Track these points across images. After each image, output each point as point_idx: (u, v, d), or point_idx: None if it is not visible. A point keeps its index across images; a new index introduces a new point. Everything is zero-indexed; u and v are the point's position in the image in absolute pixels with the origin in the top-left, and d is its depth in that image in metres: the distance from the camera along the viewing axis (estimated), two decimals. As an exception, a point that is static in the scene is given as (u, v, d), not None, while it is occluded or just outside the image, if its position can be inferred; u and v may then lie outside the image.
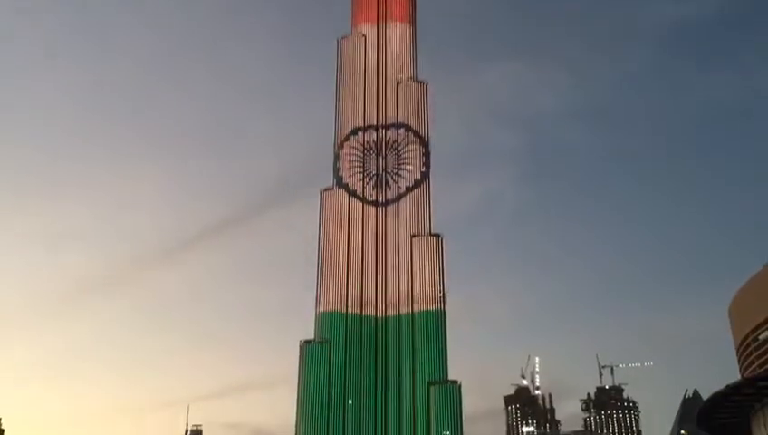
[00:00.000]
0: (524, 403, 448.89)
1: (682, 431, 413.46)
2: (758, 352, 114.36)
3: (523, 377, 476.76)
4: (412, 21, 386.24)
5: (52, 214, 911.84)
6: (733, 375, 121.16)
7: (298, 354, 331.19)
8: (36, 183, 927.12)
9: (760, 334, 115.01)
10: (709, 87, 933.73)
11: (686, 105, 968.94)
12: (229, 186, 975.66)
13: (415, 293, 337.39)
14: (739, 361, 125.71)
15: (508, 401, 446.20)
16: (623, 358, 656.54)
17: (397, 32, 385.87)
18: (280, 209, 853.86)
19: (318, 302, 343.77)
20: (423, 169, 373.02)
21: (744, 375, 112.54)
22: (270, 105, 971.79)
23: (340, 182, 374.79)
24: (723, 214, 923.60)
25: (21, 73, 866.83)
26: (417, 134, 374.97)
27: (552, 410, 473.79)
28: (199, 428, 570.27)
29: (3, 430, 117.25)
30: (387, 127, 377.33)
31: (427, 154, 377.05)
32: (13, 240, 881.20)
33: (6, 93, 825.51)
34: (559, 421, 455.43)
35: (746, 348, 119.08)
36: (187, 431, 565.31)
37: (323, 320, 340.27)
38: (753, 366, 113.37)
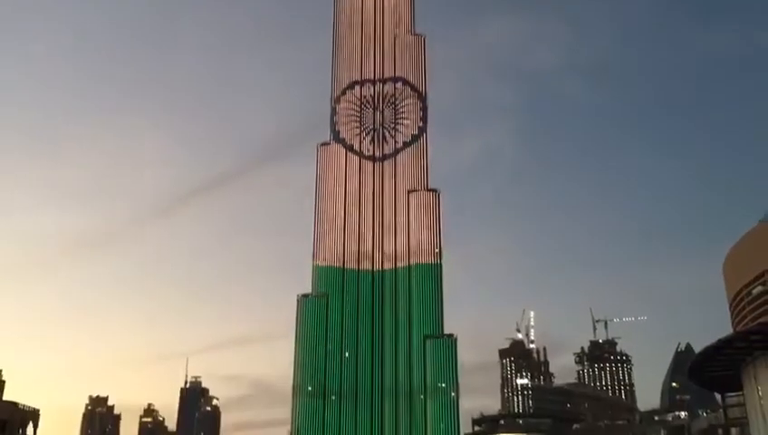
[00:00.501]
0: (519, 356, 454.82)
1: (674, 384, 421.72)
2: (751, 307, 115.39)
3: (518, 331, 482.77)
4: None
5: (51, 172, 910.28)
6: (725, 330, 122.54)
7: (295, 308, 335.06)
8: (36, 142, 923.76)
9: (753, 289, 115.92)
10: (710, 42, 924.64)
11: (687, 60, 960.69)
12: (226, 141, 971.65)
13: (411, 247, 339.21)
14: (732, 315, 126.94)
15: (503, 354, 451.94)
16: (617, 312, 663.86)
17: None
18: (276, 164, 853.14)
19: (315, 256, 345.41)
20: (420, 124, 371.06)
21: (737, 330, 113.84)
22: (266, 60, 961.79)
23: (336, 137, 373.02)
24: (719, 171, 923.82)
25: (19, 34, 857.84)
26: (414, 88, 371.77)
27: (546, 363, 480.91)
28: (198, 379, 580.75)
29: (4, 382, 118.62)
30: (384, 81, 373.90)
31: (424, 109, 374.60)
32: (13, 198, 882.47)
33: (4, 54, 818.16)
34: (552, 374, 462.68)
35: (739, 303, 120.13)
36: (186, 383, 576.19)
37: (320, 274, 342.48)
38: (746, 320, 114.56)
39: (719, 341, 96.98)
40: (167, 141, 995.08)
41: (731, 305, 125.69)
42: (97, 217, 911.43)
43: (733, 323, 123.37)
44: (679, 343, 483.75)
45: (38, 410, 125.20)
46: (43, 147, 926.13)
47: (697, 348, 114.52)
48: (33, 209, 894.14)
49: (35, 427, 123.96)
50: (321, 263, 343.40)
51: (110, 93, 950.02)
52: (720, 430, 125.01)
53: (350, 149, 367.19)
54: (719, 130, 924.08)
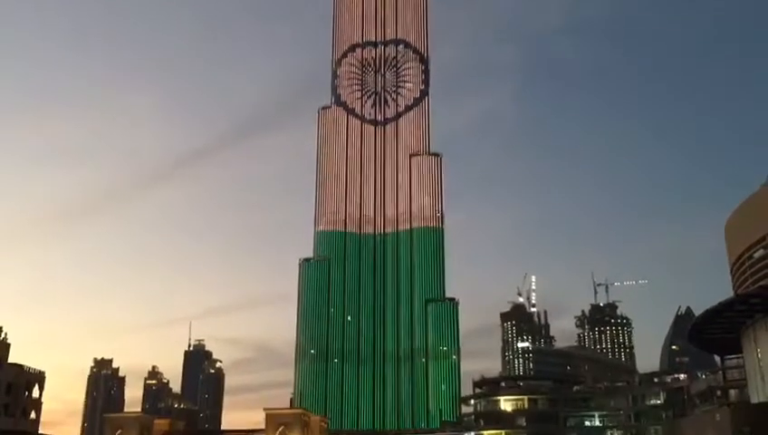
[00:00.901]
0: (520, 320, 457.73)
1: (673, 347, 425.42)
2: (752, 270, 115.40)
3: (520, 295, 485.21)
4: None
5: (49, 134, 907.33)
6: (726, 294, 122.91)
7: (297, 272, 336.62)
8: (33, 100, 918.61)
9: (754, 253, 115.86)
10: (710, 6, 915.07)
11: (694, 19, 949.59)
12: (225, 104, 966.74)
13: (413, 211, 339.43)
14: (733, 279, 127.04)
15: (504, 317, 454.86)
16: (618, 276, 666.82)
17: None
18: (277, 128, 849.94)
19: (316, 220, 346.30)
20: (422, 88, 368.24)
21: (737, 293, 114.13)
22: (265, 22, 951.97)
23: (338, 100, 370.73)
24: (724, 133, 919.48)
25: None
26: (416, 51, 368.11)
27: (547, 326, 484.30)
28: (202, 342, 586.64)
29: (9, 344, 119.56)
30: (386, 44, 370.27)
31: (426, 72, 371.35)
32: (14, 160, 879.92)
33: (3, 7, 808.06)
34: (553, 337, 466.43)
35: (741, 266, 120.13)
36: (190, 346, 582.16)
37: (322, 238, 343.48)
38: (747, 284, 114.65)
39: (720, 304, 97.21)
40: (167, 103, 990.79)
41: (732, 269, 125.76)
42: (99, 178, 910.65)
43: (734, 286, 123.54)
44: (680, 307, 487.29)
45: (43, 373, 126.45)
46: (38, 110, 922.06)
47: (698, 312, 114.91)
48: (33, 171, 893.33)
49: (41, 389, 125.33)
50: (322, 227, 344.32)
51: (104, 55, 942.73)
52: (719, 392, 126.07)
53: (351, 112, 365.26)
54: (722, 90, 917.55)
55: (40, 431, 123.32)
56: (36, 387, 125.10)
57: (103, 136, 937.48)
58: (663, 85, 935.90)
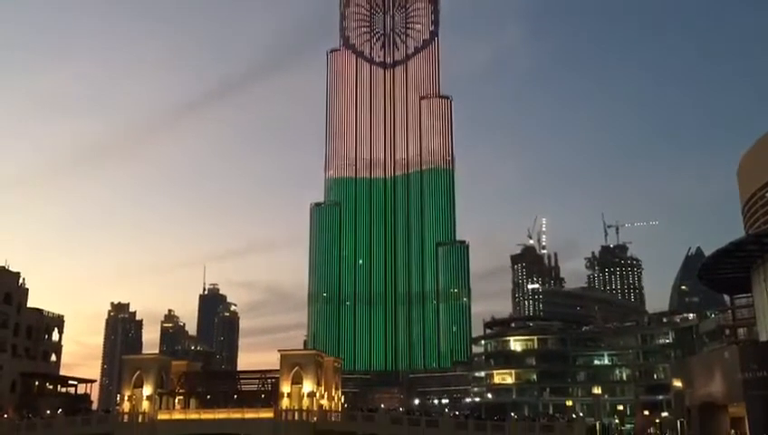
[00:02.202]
0: (530, 262, 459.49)
1: (683, 287, 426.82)
2: (764, 210, 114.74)
3: (530, 237, 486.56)
4: None
5: (63, 76, 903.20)
6: (737, 234, 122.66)
7: (308, 216, 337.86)
8: (48, 44, 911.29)
9: (767, 193, 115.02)
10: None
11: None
12: (236, 48, 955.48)
13: (423, 154, 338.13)
14: (744, 219, 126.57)
15: (514, 259, 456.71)
16: (629, 217, 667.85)
17: None
18: (286, 72, 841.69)
19: (327, 164, 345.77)
20: (432, 29, 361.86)
21: (749, 233, 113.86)
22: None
23: (346, 43, 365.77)
24: (735, 73, 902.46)
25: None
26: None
27: (557, 268, 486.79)
28: (216, 286, 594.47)
29: (27, 289, 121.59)
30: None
31: (436, 12, 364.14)
32: (25, 102, 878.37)
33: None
34: (563, 279, 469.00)
35: (752, 206, 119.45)
36: (204, 290, 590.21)
37: (333, 182, 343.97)
38: (758, 224, 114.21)
39: (731, 243, 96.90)
40: (177, 49, 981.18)
41: (744, 209, 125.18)
42: (112, 124, 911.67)
43: (745, 226, 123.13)
44: (690, 247, 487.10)
45: (62, 317, 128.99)
46: (52, 58, 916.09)
47: (708, 252, 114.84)
48: (48, 117, 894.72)
49: (60, 332, 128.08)
50: (333, 171, 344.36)
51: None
52: (727, 331, 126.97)
53: (360, 55, 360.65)
54: (737, 31, 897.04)
55: (60, 373, 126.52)
56: (56, 330, 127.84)
57: (117, 81, 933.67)
58: (681, 20, 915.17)
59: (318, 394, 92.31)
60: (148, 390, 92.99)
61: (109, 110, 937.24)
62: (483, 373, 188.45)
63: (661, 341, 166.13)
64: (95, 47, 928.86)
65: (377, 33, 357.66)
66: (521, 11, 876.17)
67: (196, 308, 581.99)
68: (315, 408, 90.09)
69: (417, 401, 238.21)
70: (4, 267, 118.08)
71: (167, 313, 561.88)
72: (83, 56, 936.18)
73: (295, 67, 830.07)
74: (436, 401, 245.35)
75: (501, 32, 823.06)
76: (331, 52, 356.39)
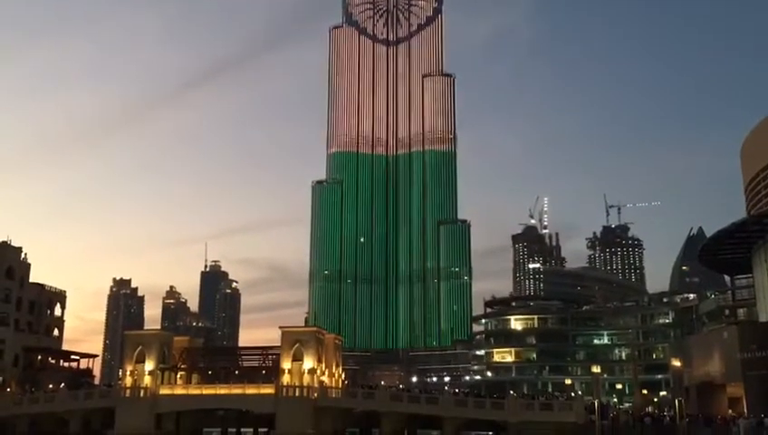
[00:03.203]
0: (531, 241, 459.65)
1: (684, 267, 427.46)
2: (767, 191, 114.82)
3: (531, 216, 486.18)
4: None
5: (60, 50, 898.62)
6: (739, 215, 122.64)
7: (310, 194, 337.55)
8: (44, 20, 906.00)
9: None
10: None
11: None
12: (234, 24, 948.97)
13: (426, 132, 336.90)
14: (747, 200, 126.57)
15: (516, 239, 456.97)
16: (631, 198, 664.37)
17: None
18: (288, 48, 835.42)
19: (329, 142, 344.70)
20: (435, 5, 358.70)
21: (751, 213, 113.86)
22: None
23: (349, 19, 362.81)
24: (740, 52, 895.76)
25: None
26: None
27: (558, 247, 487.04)
28: (218, 263, 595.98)
29: (29, 264, 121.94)
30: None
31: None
32: (21, 78, 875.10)
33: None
34: (564, 259, 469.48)
35: (755, 187, 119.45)
36: (206, 266, 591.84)
37: (334, 160, 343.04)
38: (761, 205, 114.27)
39: (732, 224, 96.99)
40: (175, 23, 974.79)
41: (746, 190, 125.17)
42: (113, 98, 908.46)
43: (747, 207, 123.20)
44: (692, 228, 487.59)
45: (64, 292, 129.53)
46: (46, 31, 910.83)
47: (710, 233, 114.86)
48: (46, 92, 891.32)
49: (63, 308, 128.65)
50: (335, 148, 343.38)
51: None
52: (727, 311, 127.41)
53: (362, 32, 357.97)
54: (743, 9, 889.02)
55: (63, 348, 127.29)
56: (58, 305, 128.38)
57: (115, 56, 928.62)
58: (679, 6, 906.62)
59: (318, 371, 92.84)
60: (150, 365, 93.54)
61: (108, 85, 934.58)
62: (483, 352, 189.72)
63: (661, 321, 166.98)
64: (92, 22, 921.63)
65: (379, 9, 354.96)
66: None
67: (198, 285, 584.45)
68: (316, 384, 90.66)
69: (416, 379, 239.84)
70: (5, 242, 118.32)
71: (168, 289, 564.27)
72: (80, 32, 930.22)
73: (296, 43, 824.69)
74: (436, 379, 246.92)
75: (504, 8, 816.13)
76: (333, 28, 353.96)
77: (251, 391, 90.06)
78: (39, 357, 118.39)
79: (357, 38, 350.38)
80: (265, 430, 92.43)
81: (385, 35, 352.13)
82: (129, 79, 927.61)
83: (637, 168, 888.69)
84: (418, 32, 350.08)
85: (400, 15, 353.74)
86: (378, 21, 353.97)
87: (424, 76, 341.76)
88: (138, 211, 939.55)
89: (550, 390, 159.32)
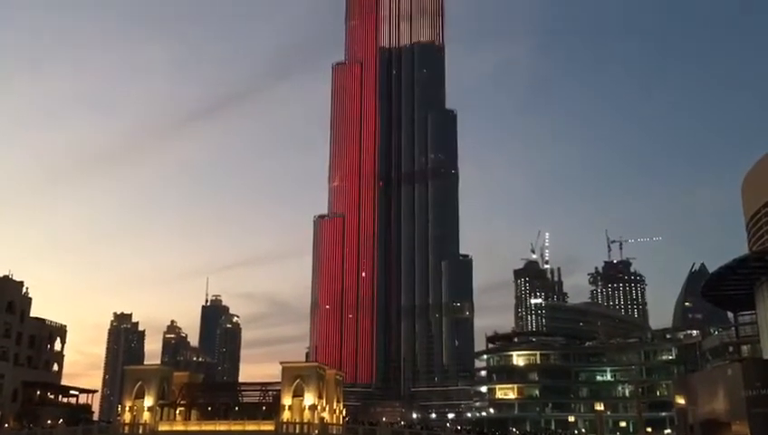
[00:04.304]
0: (533, 276, 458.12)
1: (687, 303, 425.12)
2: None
3: (533, 251, 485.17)
4: None
5: (66, 83, 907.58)
6: (741, 251, 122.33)
7: (312, 228, 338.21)
8: (49, 52, 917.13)
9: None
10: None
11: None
12: (238, 59, 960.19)
13: (427, 167, 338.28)
14: (748, 236, 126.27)
15: (517, 274, 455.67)
16: (632, 233, 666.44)
17: None
18: (290, 83, 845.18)
19: (331, 176, 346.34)
20: (438, 42, 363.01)
21: (753, 250, 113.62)
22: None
23: (351, 56, 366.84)
24: (740, 89, 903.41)
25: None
26: (431, 4, 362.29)
27: (560, 283, 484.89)
28: (219, 297, 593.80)
29: (31, 299, 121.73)
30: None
31: (441, 25, 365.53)
32: (27, 110, 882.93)
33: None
34: (566, 294, 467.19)
35: (756, 223, 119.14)
36: (207, 301, 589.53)
37: (336, 193, 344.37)
38: (762, 241, 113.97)
39: (734, 260, 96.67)
40: (181, 53, 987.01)
41: (748, 226, 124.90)
42: (115, 132, 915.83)
43: (749, 243, 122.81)
44: (694, 263, 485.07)
45: (65, 326, 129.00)
46: (53, 61, 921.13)
47: (712, 268, 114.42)
48: (49, 123, 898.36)
49: (63, 342, 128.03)
50: (336, 182, 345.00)
51: (114, 3, 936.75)
52: (731, 348, 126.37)
53: (364, 68, 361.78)
54: (741, 48, 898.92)
55: (62, 383, 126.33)
56: (58, 340, 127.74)
57: (118, 88, 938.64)
58: (686, 38, 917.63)
59: (319, 407, 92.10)
60: (149, 401, 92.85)
61: (112, 118, 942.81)
62: (485, 388, 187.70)
63: (664, 357, 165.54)
64: (97, 54, 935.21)
65: (381, 46, 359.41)
66: (528, 17, 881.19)
67: (199, 319, 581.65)
68: (316, 421, 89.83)
69: (418, 416, 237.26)
70: (7, 276, 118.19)
71: (169, 323, 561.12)
72: (86, 64, 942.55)
73: (299, 79, 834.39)
74: (438, 416, 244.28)
75: (505, 43, 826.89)
76: (336, 65, 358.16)
77: (251, 427, 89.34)
78: (38, 392, 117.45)
79: (359, 74, 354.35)
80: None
81: (387, 71, 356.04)
82: (133, 111, 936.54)
83: (638, 203, 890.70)
84: (420, 68, 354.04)
85: (402, 52, 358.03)
86: (380, 57, 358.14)
87: (426, 110, 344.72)
88: (140, 245, 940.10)
89: (553, 427, 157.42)
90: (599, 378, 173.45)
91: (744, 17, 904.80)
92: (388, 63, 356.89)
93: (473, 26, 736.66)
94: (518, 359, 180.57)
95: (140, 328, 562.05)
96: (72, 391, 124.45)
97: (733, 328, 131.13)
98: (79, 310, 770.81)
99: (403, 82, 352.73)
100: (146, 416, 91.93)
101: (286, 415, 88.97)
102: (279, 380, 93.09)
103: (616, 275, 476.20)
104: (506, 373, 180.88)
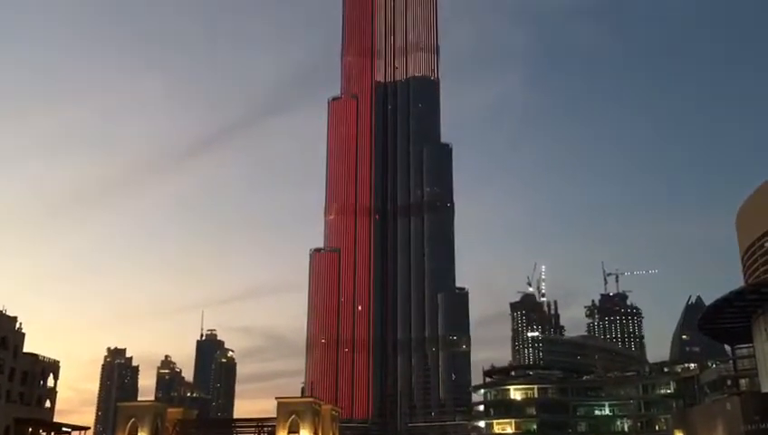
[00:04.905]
0: (530, 309, 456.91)
1: (684, 336, 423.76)
2: (763, 260, 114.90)
3: (529, 284, 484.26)
4: None
5: (61, 116, 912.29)
6: (737, 283, 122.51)
7: (308, 262, 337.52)
8: (42, 85, 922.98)
9: (766, 242, 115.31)
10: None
11: (720, 19, 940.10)
12: (235, 93, 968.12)
13: (423, 200, 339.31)
14: (744, 268, 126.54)
15: (514, 307, 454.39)
16: (629, 266, 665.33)
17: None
18: (286, 116, 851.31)
19: (327, 209, 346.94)
20: (433, 77, 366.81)
21: (748, 283, 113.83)
22: (273, 10, 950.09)
23: (347, 90, 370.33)
24: (734, 122, 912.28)
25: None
26: (426, 40, 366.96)
27: (557, 316, 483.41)
28: (214, 332, 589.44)
29: (23, 334, 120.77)
30: (395, 33, 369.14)
31: (437, 60, 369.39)
32: (23, 144, 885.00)
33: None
34: (563, 327, 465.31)
35: (752, 256, 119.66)
36: (202, 335, 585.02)
37: (332, 227, 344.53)
38: (758, 274, 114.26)
39: (730, 293, 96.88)
40: (176, 87, 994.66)
41: (743, 259, 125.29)
42: (109, 166, 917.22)
43: (745, 276, 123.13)
44: (690, 296, 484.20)
45: (58, 362, 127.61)
46: (48, 95, 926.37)
47: (708, 301, 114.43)
48: (45, 157, 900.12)
49: (56, 378, 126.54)
50: (332, 216, 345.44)
51: (113, 36, 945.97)
52: (729, 381, 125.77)
53: (360, 102, 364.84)
54: (736, 77, 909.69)
55: (54, 419, 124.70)
56: (51, 376, 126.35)
57: (115, 121, 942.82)
58: (681, 71, 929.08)
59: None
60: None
61: (107, 152, 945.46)
62: (482, 423, 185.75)
63: (662, 391, 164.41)
64: (94, 88, 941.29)
65: (377, 80, 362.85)
66: (521, 52, 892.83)
67: (194, 354, 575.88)
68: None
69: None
70: (0, 312, 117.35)
71: (163, 358, 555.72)
72: (82, 97, 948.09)
73: (296, 112, 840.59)
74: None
75: (499, 76, 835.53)
76: (332, 100, 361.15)
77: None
78: (30, 429, 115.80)
79: (355, 108, 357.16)
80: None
81: (383, 105, 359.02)
82: (131, 145, 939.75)
83: (634, 235, 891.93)
84: (416, 101, 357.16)
85: (398, 86, 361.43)
86: (376, 91, 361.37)
87: (422, 145, 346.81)
88: (135, 279, 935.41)
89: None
90: (597, 412, 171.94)
91: (730, 47, 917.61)
92: (383, 98, 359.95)
93: (467, 60, 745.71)
94: (515, 393, 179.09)
95: (134, 363, 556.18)
96: (64, 428, 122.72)
97: (731, 361, 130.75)
98: (73, 345, 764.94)
99: (399, 115, 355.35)
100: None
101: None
102: (274, 415, 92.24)
103: (612, 307, 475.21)
104: (504, 408, 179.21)
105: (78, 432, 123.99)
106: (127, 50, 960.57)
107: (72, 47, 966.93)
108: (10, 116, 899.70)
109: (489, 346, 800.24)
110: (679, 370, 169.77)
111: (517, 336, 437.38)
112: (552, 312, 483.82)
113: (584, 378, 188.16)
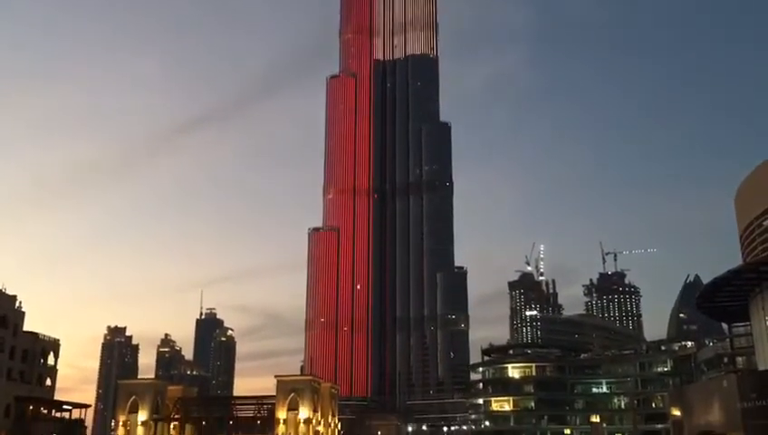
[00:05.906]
0: (528, 288, 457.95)
1: (681, 314, 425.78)
2: (761, 239, 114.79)
3: (528, 263, 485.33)
4: None
5: (57, 97, 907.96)
6: (735, 262, 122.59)
7: (306, 241, 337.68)
8: (36, 65, 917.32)
9: (764, 221, 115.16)
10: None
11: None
12: (232, 72, 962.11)
13: (422, 179, 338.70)
14: (742, 247, 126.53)
15: (512, 286, 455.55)
16: (627, 245, 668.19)
17: None
18: (284, 95, 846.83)
19: (325, 189, 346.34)
20: (431, 55, 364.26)
21: (747, 261, 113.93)
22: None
23: (345, 69, 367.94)
24: (733, 100, 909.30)
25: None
26: (425, 17, 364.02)
27: (555, 294, 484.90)
28: (213, 311, 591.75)
29: (24, 313, 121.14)
30: (394, 8, 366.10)
31: (435, 38, 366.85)
32: (19, 125, 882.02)
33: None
34: (561, 306, 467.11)
35: (750, 235, 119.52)
36: (201, 314, 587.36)
37: (331, 206, 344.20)
38: (756, 252, 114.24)
39: (729, 271, 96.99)
40: (174, 68, 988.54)
41: (741, 237, 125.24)
42: (108, 145, 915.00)
43: (743, 255, 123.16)
44: (688, 275, 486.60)
45: (58, 340, 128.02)
46: (42, 75, 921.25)
47: (706, 280, 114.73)
48: (43, 137, 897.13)
49: (56, 356, 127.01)
50: (331, 195, 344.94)
51: (106, 18, 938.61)
52: (726, 359, 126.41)
53: (358, 81, 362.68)
54: (734, 57, 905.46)
55: (55, 398, 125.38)
56: (51, 354, 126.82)
57: (112, 102, 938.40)
58: (680, 49, 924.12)
59: (314, 421, 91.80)
60: (143, 415, 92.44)
61: (104, 131, 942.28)
62: (480, 401, 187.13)
63: (659, 369, 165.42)
64: (90, 69, 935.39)
65: (375, 59, 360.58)
66: (521, 30, 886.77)
67: (193, 332, 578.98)
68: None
69: (413, 428, 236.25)
70: (0, 290, 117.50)
71: (163, 337, 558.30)
72: (78, 78, 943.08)
73: (294, 91, 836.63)
74: (433, 429, 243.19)
75: (499, 55, 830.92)
76: (330, 78, 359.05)
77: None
78: (31, 407, 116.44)
79: (354, 87, 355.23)
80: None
81: (381, 84, 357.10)
82: (127, 125, 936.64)
83: (632, 214, 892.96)
84: (414, 80, 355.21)
85: (396, 64, 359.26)
86: (374, 70, 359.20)
87: (420, 123, 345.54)
88: (134, 258, 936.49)
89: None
90: (594, 390, 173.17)
91: (732, 28, 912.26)
92: (382, 76, 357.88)
93: (467, 38, 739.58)
94: (513, 371, 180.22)
95: (134, 342, 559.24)
96: (65, 406, 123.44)
97: (728, 339, 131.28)
98: (73, 323, 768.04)
99: (397, 94, 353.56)
100: (140, 431, 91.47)
101: (281, 429, 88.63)
102: (274, 393, 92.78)
103: (610, 286, 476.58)
104: (502, 386, 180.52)
105: (79, 410, 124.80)
106: (121, 30, 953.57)
107: (66, 27, 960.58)
108: (5, 97, 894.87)
109: (487, 325, 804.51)
110: (676, 348, 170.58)
111: (515, 315, 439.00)
112: (551, 291, 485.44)
113: (582, 356, 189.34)
